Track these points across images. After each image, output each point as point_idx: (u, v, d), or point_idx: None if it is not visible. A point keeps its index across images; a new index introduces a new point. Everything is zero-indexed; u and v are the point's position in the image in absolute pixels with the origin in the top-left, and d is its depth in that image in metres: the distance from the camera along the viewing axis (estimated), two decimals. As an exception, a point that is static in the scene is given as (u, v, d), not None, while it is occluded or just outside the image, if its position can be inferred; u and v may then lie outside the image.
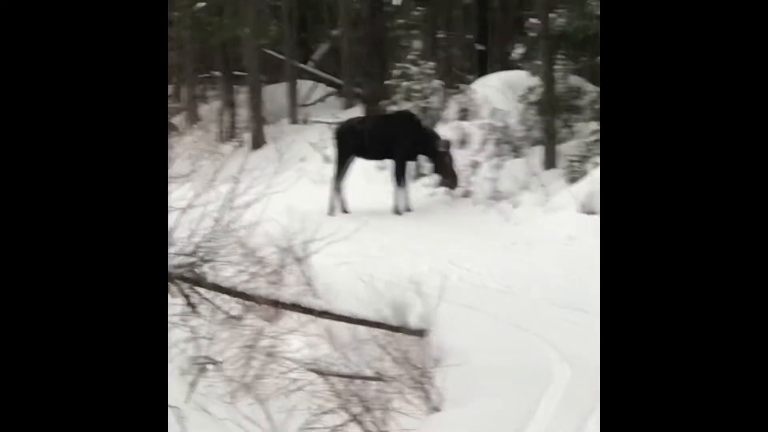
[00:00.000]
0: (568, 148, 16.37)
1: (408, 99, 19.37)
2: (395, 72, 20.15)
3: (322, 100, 28.63)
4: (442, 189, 16.92)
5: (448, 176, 16.50)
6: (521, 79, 18.80)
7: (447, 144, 16.51)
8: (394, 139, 16.49)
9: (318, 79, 28.99)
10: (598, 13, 14.16)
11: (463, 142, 17.86)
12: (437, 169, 16.65)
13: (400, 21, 25.42)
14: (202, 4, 26.64)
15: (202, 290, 7.88)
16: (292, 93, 26.03)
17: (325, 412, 6.65)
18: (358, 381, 6.83)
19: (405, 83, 19.57)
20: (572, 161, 15.63)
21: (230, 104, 26.62)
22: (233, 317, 7.69)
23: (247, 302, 7.88)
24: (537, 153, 16.75)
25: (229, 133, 26.06)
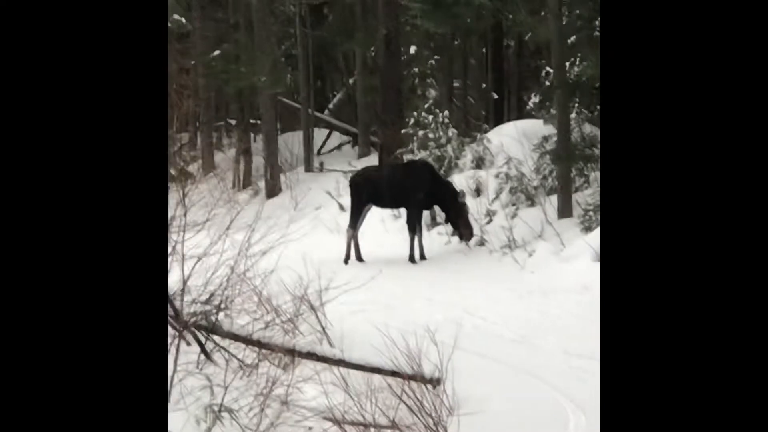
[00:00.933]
0: (583, 197, 16.35)
1: (423, 147, 19.39)
2: (411, 120, 20.19)
3: (337, 148, 28.74)
4: (457, 238, 16.92)
5: (462, 228, 16.50)
6: (537, 127, 18.82)
7: (462, 195, 16.54)
8: (409, 188, 16.50)
9: (334, 128, 29.10)
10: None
11: (478, 191, 17.87)
12: (452, 221, 16.65)
13: (416, 70, 25.49)
14: (218, 53, 26.78)
15: (217, 338, 7.89)
16: (308, 141, 26.12)
17: (339, 461, 6.63)
18: (373, 430, 6.81)
19: (420, 132, 19.60)
20: (587, 210, 15.60)
21: (246, 152, 26.69)
22: (248, 365, 7.69)
23: (262, 350, 7.89)
24: (552, 202, 16.75)
25: (245, 181, 26.13)
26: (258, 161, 26.04)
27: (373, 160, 23.34)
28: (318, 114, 28.50)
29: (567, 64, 17.42)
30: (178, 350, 6.84)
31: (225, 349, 7.88)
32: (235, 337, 7.93)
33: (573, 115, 17.42)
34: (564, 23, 17.42)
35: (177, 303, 7.49)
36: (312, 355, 8.02)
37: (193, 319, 7.62)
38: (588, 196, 16.24)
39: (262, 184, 24.96)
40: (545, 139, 17.75)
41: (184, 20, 26.97)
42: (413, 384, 7.19)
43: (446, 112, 20.33)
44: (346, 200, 17.96)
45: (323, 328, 9.21)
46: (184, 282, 7.54)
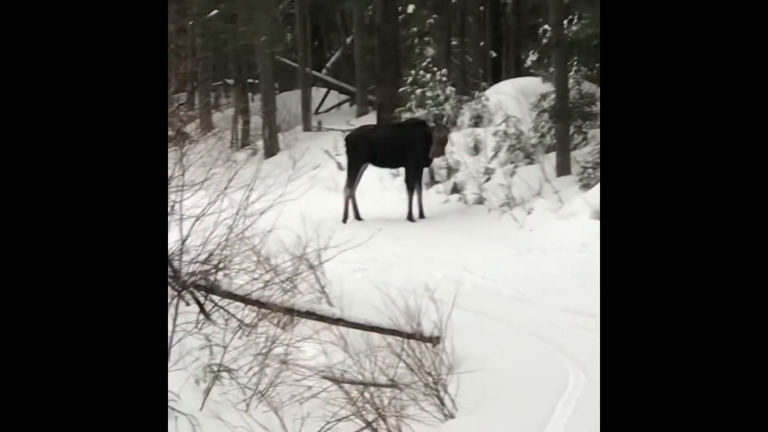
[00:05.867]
0: (581, 155, 16.35)
1: (421, 106, 19.38)
2: (409, 79, 20.16)
3: (336, 107, 28.68)
4: (456, 196, 16.95)
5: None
6: (535, 85, 18.80)
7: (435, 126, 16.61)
8: (407, 147, 16.50)
9: (332, 87, 29.03)
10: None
11: (477, 149, 17.86)
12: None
13: (414, 28, 25.42)
14: (215, 12, 26.67)
15: (216, 298, 7.90)
16: (306, 100, 26.06)
17: (339, 420, 6.65)
18: (372, 388, 6.82)
19: (418, 90, 19.58)
20: (586, 168, 15.60)
21: (244, 112, 26.63)
22: (247, 325, 7.70)
23: (261, 310, 7.90)
24: (550, 160, 16.74)
25: (243, 141, 26.08)
26: (256, 121, 25.98)
27: (371, 119, 23.28)
28: (316, 73, 28.41)
29: (565, 21, 17.37)
30: (176, 310, 6.84)
31: (224, 309, 7.89)
32: (234, 297, 7.94)
33: (571, 73, 17.39)
34: (562, -20, 17.37)
35: (176, 263, 7.49)
36: (311, 315, 8.03)
37: (191, 279, 7.62)
38: (586, 153, 16.24)
39: (260, 143, 24.91)
40: (543, 96, 17.73)
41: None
42: (412, 342, 7.21)
43: (444, 71, 20.32)
44: (344, 159, 17.95)
45: (322, 288, 9.22)
46: (183, 242, 7.54)
